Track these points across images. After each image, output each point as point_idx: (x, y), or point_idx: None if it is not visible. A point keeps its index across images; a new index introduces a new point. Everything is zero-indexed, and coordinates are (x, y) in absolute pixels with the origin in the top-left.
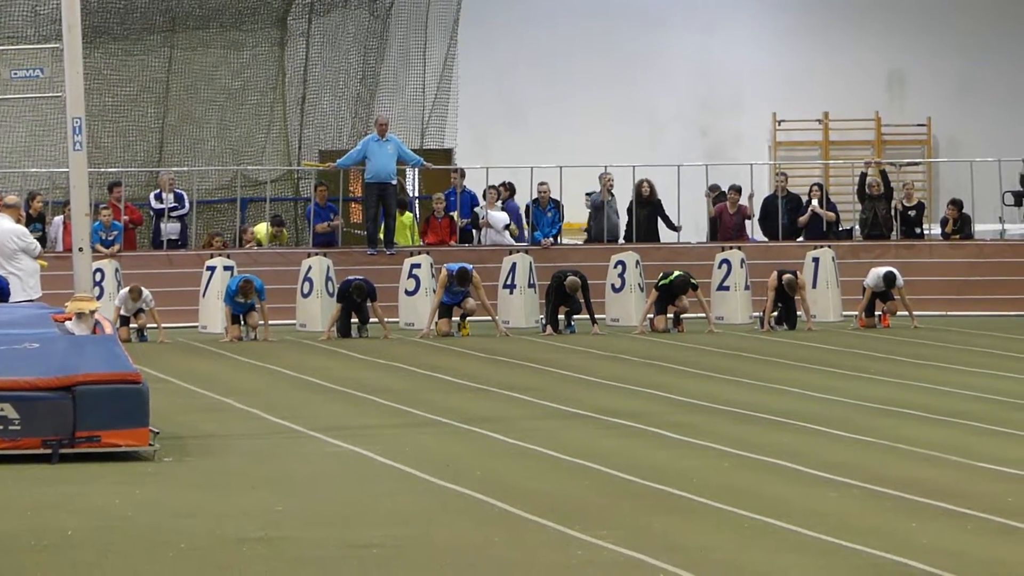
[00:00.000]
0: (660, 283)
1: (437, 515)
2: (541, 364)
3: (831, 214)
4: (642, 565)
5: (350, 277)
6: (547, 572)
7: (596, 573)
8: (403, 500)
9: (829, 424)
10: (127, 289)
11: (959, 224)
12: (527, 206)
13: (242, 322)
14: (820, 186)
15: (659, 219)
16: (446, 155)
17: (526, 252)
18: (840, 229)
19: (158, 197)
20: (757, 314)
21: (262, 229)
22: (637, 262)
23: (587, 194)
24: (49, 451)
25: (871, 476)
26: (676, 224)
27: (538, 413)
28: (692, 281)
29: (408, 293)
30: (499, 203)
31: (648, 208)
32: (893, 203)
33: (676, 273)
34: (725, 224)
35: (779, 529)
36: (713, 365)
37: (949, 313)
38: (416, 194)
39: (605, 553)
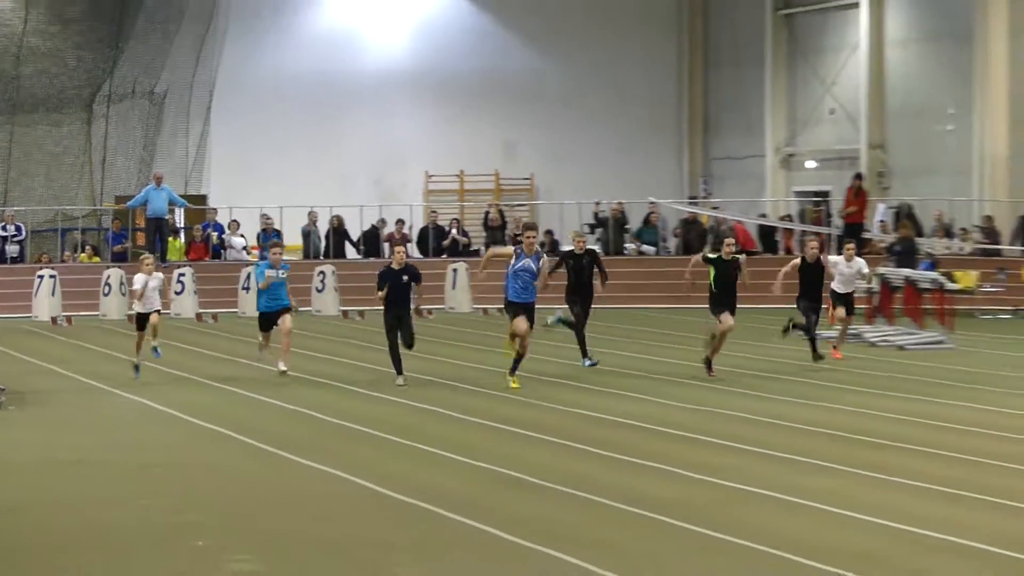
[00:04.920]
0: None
1: (196, 445)
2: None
3: (465, 239)
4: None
5: None
6: (285, 490)
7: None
8: (174, 433)
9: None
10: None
11: (549, 246)
12: (258, 234)
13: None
14: (458, 220)
15: (346, 242)
16: (202, 199)
17: (256, 264)
18: (471, 249)
19: (3, 228)
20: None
21: (84, 257)
22: (333, 271)
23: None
24: None
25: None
26: (358, 245)
27: (261, 376)
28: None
29: (176, 293)
30: (240, 231)
31: (339, 235)
32: (507, 231)
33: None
34: (393, 244)
35: None
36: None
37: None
38: (182, 225)
39: (316, 471)
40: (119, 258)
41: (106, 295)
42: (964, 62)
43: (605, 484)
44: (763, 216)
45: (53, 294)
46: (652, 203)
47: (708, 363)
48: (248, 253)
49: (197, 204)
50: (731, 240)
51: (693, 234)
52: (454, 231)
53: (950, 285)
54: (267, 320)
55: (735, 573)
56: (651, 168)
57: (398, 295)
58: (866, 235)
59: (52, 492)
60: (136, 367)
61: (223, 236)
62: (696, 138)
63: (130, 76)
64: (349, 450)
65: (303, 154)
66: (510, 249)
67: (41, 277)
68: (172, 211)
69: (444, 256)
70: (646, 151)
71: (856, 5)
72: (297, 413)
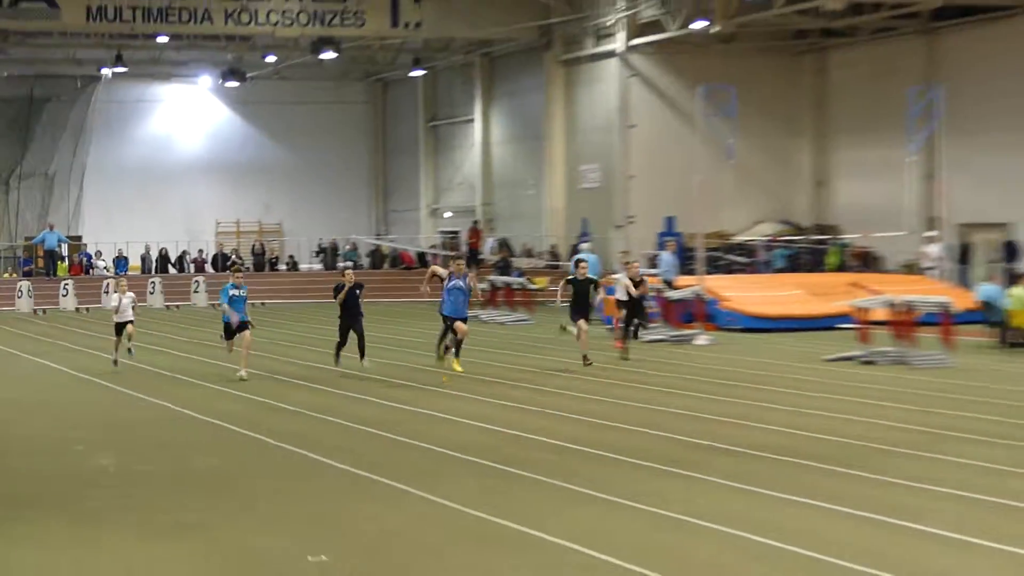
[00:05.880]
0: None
1: (79, 389)
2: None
3: (240, 261)
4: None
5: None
6: (135, 416)
7: (153, 421)
8: (64, 381)
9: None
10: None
11: (294, 264)
12: (114, 259)
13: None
14: (236, 250)
15: (169, 264)
16: (79, 238)
17: (123, 276)
18: (244, 267)
19: None
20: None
21: (6, 276)
22: (161, 283)
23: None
24: None
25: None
26: (176, 265)
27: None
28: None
29: (63, 295)
30: (111, 258)
31: (164, 260)
32: (266, 256)
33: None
34: (197, 265)
35: None
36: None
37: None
38: (66, 254)
39: (154, 404)
40: (27, 275)
41: (19, 297)
42: (538, 153)
43: (344, 412)
44: (419, 246)
45: None
46: (351, 238)
47: (584, 358)
48: (108, 271)
49: (75, 241)
50: (584, 264)
51: (378, 256)
52: (234, 256)
53: (531, 286)
54: (230, 330)
55: (417, 460)
56: (353, 217)
57: (351, 302)
58: (481, 257)
59: None
60: (115, 362)
61: (94, 260)
62: (379, 198)
63: (33, 162)
64: (175, 391)
65: (141, 208)
66: (445, 272)
67: None
68: (60, 246)
69: (228, 272)
70: (349, 206)
71: (472, 120)
72: (143, 370)
